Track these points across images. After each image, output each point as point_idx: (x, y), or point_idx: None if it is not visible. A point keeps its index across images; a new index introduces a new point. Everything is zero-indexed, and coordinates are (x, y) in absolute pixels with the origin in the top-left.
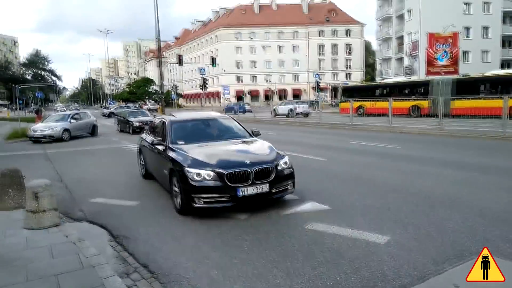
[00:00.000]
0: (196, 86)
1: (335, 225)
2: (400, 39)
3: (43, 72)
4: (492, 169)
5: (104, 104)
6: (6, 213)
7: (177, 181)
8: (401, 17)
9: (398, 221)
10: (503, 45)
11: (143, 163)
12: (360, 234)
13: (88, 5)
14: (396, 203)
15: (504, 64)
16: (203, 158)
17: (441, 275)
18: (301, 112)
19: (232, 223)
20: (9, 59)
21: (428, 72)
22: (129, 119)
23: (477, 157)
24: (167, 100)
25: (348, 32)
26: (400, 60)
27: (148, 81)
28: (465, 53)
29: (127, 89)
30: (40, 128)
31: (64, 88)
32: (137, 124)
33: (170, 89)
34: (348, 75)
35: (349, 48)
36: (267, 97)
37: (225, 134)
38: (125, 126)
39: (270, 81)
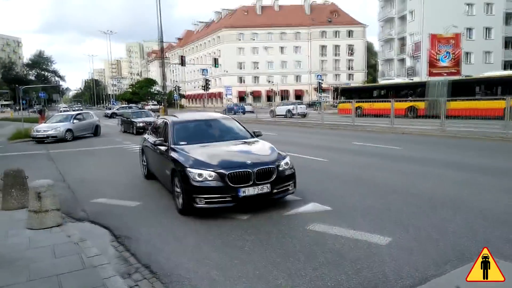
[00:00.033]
0: (198, 87)
1: (336, 226)
2: (402, 40)
3: (46, 73)
4: (493, 170)
5: (107, 105)
6: (9, 213)
7: (178, 181)
8: (403, 18)
9: (399, 222)
10: (506, 46)
11: (145, 163)
12: (361, 235)
13: (91, 6)
14: (397, 204)
15: (507, 65)
16: (204, 159)
17: (443, 276)
18: (298, 113)
19: (233, 223)
20: (13, 60)
21: (430, 73)
22: (133, 120)
23: (478, 158)
24: (170, 100)
25: (350, 33)
26: (402, 61)
27: (150, 82)
28: (467, 54)
29: (130, 90)
30: (43, 128)
31: (67, 88)
32: (141, 124)
33: (172, 90)
34: (350, 76)
35: (351, 49)
36: (269, 98)
37: (226, 134)
38: (129, 127)
39: (272, 82)
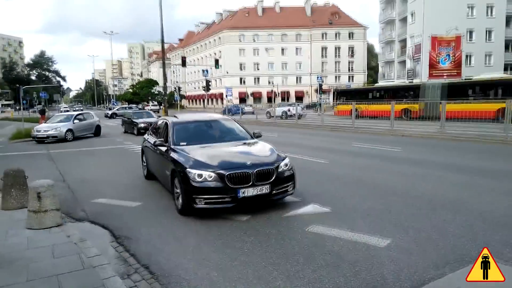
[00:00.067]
0: (199, 88)
1: (335, 228)
2: (403, 42)
3: (47, 73)
4: (493, 173)
5: (107, 105)
6: (9, 213)
7: (178, 182)
8: (404, 20)
9: (399, 224)
10: (507, 48)
11: (145, 164)
12: (360, 237)
13: (93, 6)
14: (397, 206)
15: (507, 67)
16: (204, 159)
17: (442, 279)
18: (294, 114)
19: (233, 224)
20: (14, 60)
21: (431, 75)
22: (134, 120)
23: (478, 161)
24: (170, 101)
25: (351, 35)
26: (403, 63)
27: (151, 82)
28: (468, 56)
29: (131, 90)
30: (43, 128)
31: (68, 88)
32: (142, 125)
33: (173, 91)
34: (350, 78)
35: (352, 51)
36: (270, 99)
37: (226, 135)
38: (130, 127)
39: (273, 83)
